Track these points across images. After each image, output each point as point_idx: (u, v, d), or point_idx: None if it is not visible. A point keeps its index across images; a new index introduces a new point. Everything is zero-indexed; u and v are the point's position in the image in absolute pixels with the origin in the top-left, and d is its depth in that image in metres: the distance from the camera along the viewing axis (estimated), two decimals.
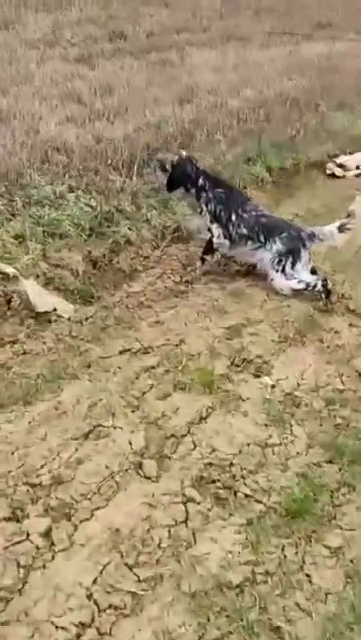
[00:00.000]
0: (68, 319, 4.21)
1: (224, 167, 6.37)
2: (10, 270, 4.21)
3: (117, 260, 4.91)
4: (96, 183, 5.51)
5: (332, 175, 7.29)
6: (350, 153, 7.75)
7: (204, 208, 4.72)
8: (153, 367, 3.71)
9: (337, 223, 4.49)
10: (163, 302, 4.50)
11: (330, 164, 7.42)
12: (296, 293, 4.50)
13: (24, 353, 3.83)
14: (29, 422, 3.23)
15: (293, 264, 4.49)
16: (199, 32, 13.03)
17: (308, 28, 14.52)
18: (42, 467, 2.91)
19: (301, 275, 4.49)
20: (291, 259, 4.49)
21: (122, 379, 3.58)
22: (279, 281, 4.50)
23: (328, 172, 7.35)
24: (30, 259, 4.40)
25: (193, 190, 4.78)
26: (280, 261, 4.51)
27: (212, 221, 4.70)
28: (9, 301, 4.12)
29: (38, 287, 4.32)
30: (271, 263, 4.55)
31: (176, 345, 3.94)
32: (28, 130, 6.04)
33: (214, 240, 4.74)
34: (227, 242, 4.70)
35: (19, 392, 3.45)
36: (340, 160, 7.46)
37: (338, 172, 7.30)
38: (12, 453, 2.99)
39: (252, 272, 4.88)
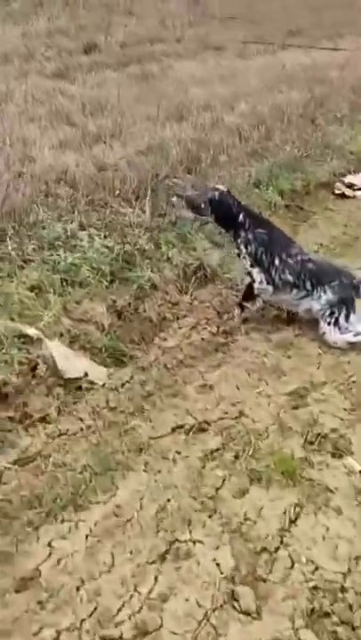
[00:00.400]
0: (102, 386, 3.61)
1: (238, 193, 5.82)
2: (32, 332, 3.59)
3: (144, 308, 4.32)
4: (106, 217, 4.91)
5: (342, 195, 6.81)
6: (355, 171, 7.30)
7: (244, 250, 4.16)
8: (217, 450, 3.14)
9: None
10: (205, 360, 3.93)
11: (338, 184, 6.94)
12: (352, 346, 3.98)
13: (60, 434, 3.23)
14: (87, 536, 2.62)
15: (348, 316, 4.00)
16: (173, 42, 12.53)
17: (279, 36, 14.14)
18: (119, 610, 2.31)
19: (357, 326, 3.98)
20: (344, 310, 4.00)
21: (186, 469, 3.01)
22: (333, 335, 3.98)
23: (337, 191, 6.87)
24: (52, 315, 3.77)
25: (232, 229, 4.23)
26: (332, 313, 4.00)
27: (252, 265, 4.15)
28: (34, 368, 3.50)
29: (64, 349, 3.70)
30: (322, 315, 4.03)
31: (236, 418, 3.39)
32: (22, 157, 5.41)
33: (256, 286, 4.19)
34: (270, 288, 4.17)
35: (65, 492, 2.83)
36: (348, 179, 6.99)
37: (348, 192, 6.83)
38: (78, 589, 2.38)
39: (293, 318, 4.34)
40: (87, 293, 4.11)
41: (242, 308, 4.32)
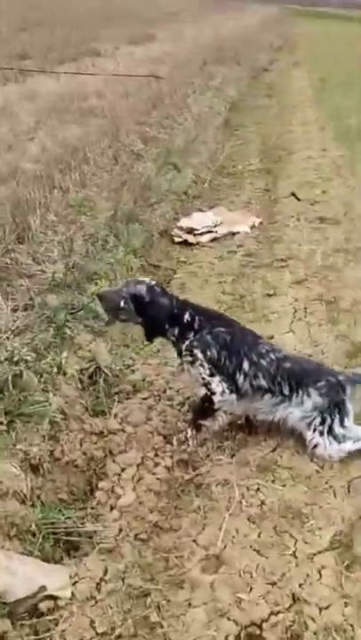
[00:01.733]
0: (71, 598, 2.45)
1: (85, 258, 4.83)
2: None
3: (62, 450, 3.18)
4: None
5: (185, 242, 6.12)
6: (183, 213, 6.68)
7: (201, 356, 3.21)
8: None
9: None
10: (181, 512, 2.97)
11: (177, 231, 6.25)
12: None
13: None
14: None
15: (342, 421, 3.27)
16: None
17: (6, 59, 13.10)
18: None
19: (354, 431, 3.30)
20: (338, 415, 3.27)
21: None
22: (329, 447, 3.24)
23: (177, 239, 6.16)
24: None
25: (174, 331, 3.25)
26: (324, 420, 3.25)
27: (212, 374, 3.22)
28: None
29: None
30: (309, 424, 3.27)
31: (290, 608, 2.45)
32: None
33: (217, 398, 3.27)
34: (233, 397, 3.28)
35: None
36: (184, 224, 6.32)
37: (190, 238, 6.16)
38: None
39: (252, 424, 3.51)
40: None
41: (197, 427, 3.36)
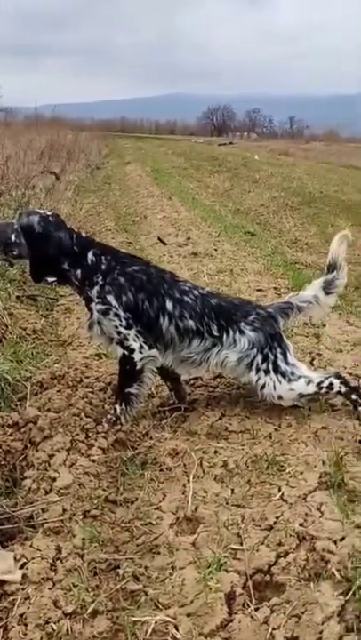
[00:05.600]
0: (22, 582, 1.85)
1: None
2: None
3: None
4: None
5: None
6: None
7: (115, 303, 2.78)
8: None
9: (319, 282, 3.10)
10: (134, 493, 2.43)
11: None
12: (298, 402, 2.97)
13: None
14: None
15: (285, 355, 2.95)
16: None
17: None
18: None
19: (300, 368, 2.98)
20: (279, 349, 2.94)
21: None
22: (279, 387, 2.88)
23: None
24: None
25: (76, 273, 2.81)
26: (266, 358, 2.91)
27: (129, 325, 2.80)
28: None
29: None
30: (250, 364, 2.91)
31: None
32: None
33: (137, 357, 2.83)
34: (155, 352, 2.87)
35: None
36: None
37: None
38: None
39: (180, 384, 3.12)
40: None
41: (126, 400, 2.87)
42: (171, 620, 1.76)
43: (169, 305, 2.84)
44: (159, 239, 7.24)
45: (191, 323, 2.85)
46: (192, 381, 3.32)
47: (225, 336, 2.91)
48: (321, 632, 1.69)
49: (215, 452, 2.66)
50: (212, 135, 64.51)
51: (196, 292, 2.91)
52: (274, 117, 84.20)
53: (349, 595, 1.79)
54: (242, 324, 2.93)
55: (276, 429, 2.83)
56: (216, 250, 6.76)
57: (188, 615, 1.78)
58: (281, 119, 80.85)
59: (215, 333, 2.89)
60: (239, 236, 7.82)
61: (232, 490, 2.40)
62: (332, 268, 3.07)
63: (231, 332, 2.91)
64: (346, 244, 3.09)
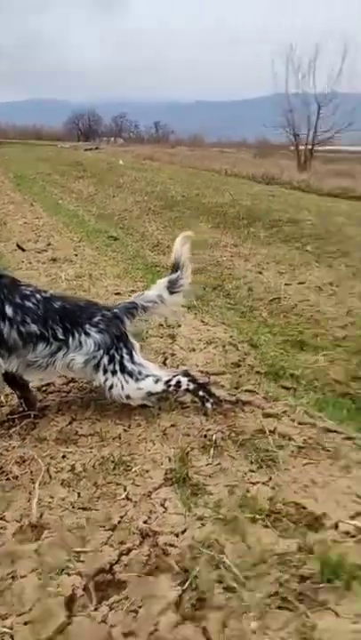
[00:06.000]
0: None
1: None
2: None
3: None
4: None
5: None
6: None
7: None
8: None
9: (164, 281, 3.15)
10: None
11: None
12: (147, 401, 3.02)
13: None
14: None
15: (131, 355, 2.99)
16: None
17: None
18: None
19: (147, 367, 3.03)
20: (125, 349, 2.97)
21: None
22: (126, 386, 2.92)
23: None
24: None
25: None
26: (112, 359, 2.94)
27: None
28: None
29: None
30: (97, 366, 2.92)
31: None
32: None
33: None
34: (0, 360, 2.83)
35: None
36: None
37: None
38: None
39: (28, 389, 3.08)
40: None
41: None
42: (7, 630, 1.73)
43: (9, 310, 2.78)
44: (18, 245, 7.09)
45: (34, 327, 2.81)
46: (44, 387, 3.28)
47: (71, 339, 2.89)
48: (157, 624, 1.72)
49: (63, 456, 2.64)
50: (78, 140, 63.99)
51: (38, 296, 2.88)
52: (140, 123, 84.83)
53: (186, 584, 1.85)
54: (87, 325, 2.93)
55: (125, 430, 2.86)
56: (76, 255, 6.72)
57: (26, 623, 1.76)
58: (147, 124, 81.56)
59: (60, 337, 2.87)
60: (102, 240, 7.82)
61: (78, 493, 2.39)
62: (176, 267, 3.14)
63: (77, 335, 2.90)
64: (188, 244, 3.16)
